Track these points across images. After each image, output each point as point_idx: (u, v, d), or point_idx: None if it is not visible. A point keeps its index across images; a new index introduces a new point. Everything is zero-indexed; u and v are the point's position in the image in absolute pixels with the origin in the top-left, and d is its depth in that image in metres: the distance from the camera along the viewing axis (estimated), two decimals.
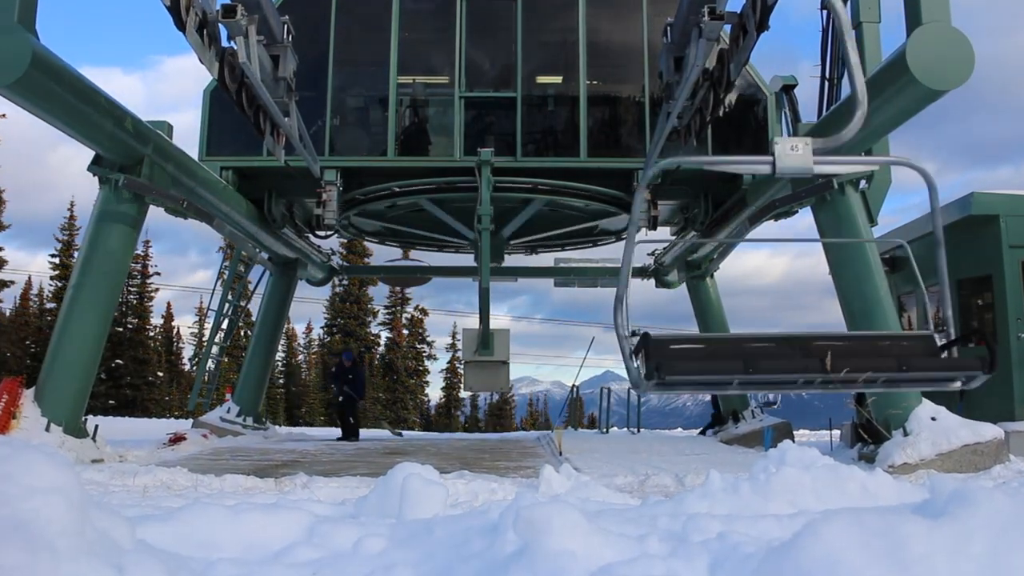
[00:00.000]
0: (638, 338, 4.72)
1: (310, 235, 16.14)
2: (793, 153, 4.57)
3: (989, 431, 9.36)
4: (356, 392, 16.56)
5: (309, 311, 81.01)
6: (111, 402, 37.04)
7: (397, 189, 13.61)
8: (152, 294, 43.79)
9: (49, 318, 38.92)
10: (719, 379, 4.94)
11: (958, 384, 4.78)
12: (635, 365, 4.75)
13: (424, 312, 55.75)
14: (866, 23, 11.03)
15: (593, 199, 13.70)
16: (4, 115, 26.91)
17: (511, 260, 17.88)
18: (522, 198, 13.82)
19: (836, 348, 4.68)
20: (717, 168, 11.99)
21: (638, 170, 13.06)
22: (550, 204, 14.03)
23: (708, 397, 17.47)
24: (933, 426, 9.33)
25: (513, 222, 14.64)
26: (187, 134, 13.68)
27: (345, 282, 48.35)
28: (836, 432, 13.85)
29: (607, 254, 18.70)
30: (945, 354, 4.74)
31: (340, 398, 16.87)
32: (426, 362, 55.91)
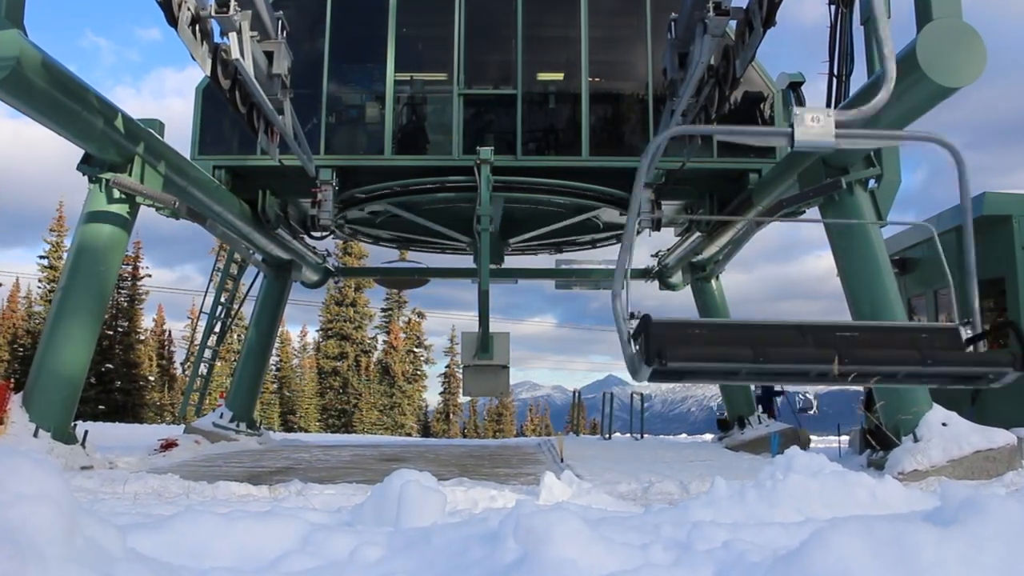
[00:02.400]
0: (637, 321, 4.23)
1: (305, 236, 16.03)
2: (814, 125, 4.20)
3: (1001, 437, 9.18)
4: None
5: (304, 314, 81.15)
6: (101, 407, 36.78)
7: (361, 195, 13.49)
8: (143, 296, 43.57)
9: (38, 321, 38.68)
10: (725, 367, 4.43)
11: (986, 382, 4.43)
12: (633, 350, 4.25)
13: (421, 315, 55.64)
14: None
15: (596, 199, 13.60)
16: None
17: (511, 261, 17.79)
18: (527, 200, 13.70)
19: (854, 339, 4.34)
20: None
21: None
22: (546, 203, 13.92)
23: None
24: (944, 432, 9.15)
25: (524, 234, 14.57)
26: None
27: (340, 284, 48.21)
28: (844, 438, 13.76)
29: (608, 255, 18.59)
30: (971, 348, 4.37)
31: None
32: (424, 366, 55.83)
